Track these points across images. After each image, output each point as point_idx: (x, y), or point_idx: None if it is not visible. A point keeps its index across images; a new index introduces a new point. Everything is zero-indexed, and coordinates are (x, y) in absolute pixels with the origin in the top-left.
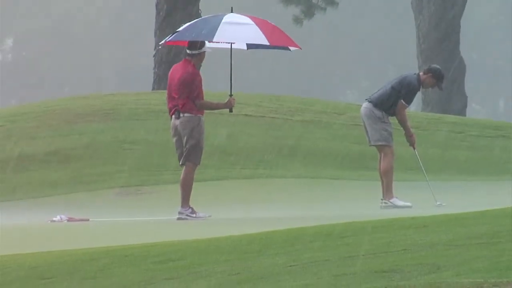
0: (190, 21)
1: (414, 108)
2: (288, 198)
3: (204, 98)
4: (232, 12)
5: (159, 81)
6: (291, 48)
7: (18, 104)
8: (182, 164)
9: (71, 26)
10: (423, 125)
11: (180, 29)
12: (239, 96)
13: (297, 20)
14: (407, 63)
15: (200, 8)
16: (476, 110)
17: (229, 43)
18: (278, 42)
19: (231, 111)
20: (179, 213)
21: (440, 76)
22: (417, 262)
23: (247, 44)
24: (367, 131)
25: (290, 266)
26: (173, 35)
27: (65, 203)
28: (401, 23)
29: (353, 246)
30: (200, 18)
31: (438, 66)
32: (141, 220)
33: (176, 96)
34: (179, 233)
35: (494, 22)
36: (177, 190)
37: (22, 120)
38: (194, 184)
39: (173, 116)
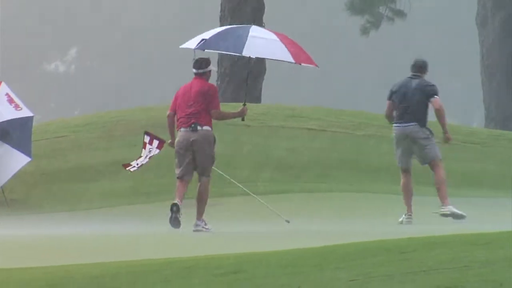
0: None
1: (477, 124)
2: (350, 212)
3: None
4: (254, 24)
5: (222, 95)
6: (304, 63)
7: (81, 115)
8: (181, 177)
9: (137, 39)
10: (486, 141)
11: (207, 37)
12: (301, 109)
13: (364, 30)
14: (471, 79)
15: (264, 22)
16: None
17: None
18: (302, 60)
19: (243, 119)
20: (196, 225)
21: (413, 67)
22: (479, 279)
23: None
24: (410, 152)
25: (351, 280)
26: (201, 43)
27: (126, 214)
28: (465, 38)
29: (414, 262)
30: (225, 28)
31: (418, 60)
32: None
33: (194, 109)
34: (238, 245)
35: None
36: (239, 202)
37: (85, 130)
38: (262, 197)
39: (184, 129)
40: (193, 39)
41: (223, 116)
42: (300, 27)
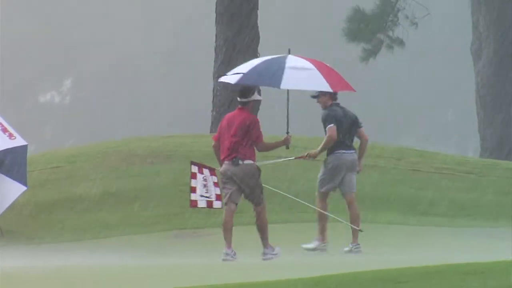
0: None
1: (472, 154)
2: (344, 242)
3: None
4: (289, 53)
5: (217, 124)
6: (341, 90)
7: (76, 145)
8: (226, 204)
9: (130, 69)
10: (481, 171)
11: (244, 71)
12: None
13: (364, 58)
14: (466, 109)
15: (259, 51)
16: None
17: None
18: (339, 87)
19: (287, 147)
20: (264, 254)
21: (334, 95)
22: None
23: None
24: (344, 180)
25: None
26: (239, 78)
27: (120, 245)
28: (459, 68)
29: None
30: (261, 60)
31: None
32: (205, 261)
33: (235, 143)
34: (242, 275)
35: None
36: (235, 232)
37: (80, 161)
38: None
39: (227, 162)
40: (230, 73)
41: (268, 148)
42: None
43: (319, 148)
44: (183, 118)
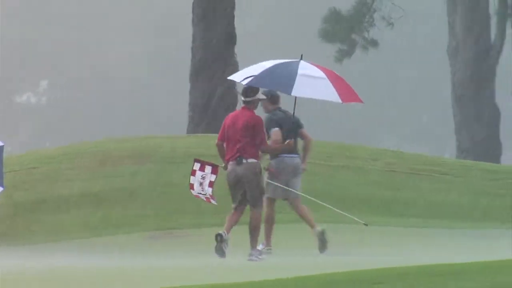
0: (226, 65)
1: (449, 155)
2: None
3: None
4: (301, 59)
5: (194, 125)
6: (350, 102)
7: (53, 146)
8: (234, 208)
9: (106, 70)
10: (457, 172)
11: (256, 73)
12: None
13: (338, 59)
14: (442, 110)
15: (236, 51)
16: (510, 158)
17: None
18: (348, 98)
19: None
20: (250, 254)
21: (273, 98)
22: None
23: None
24: (288, 185)
25: None
26: (250, 79)
27: (99, 246)
28: (436, 69)
29: None
30: (274, 64)
31: (270, 91)
32: (180, 262)
33: (239, 143)
34: (217, 276)
35: None
36: (213, 233)
37: (57, 162)
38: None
39: (232, 162)
40: (240, 72)
41: (270, 150)
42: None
43: (270, 151)
44: (163, 119)
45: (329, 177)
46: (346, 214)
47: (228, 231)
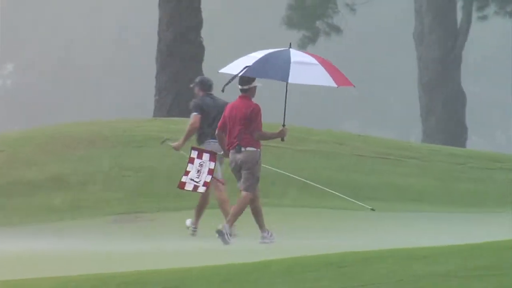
0: (192, 49)
1: (415, 139)
2: (286, 227)
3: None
4: (290, 47)
5: (160, 109)
6: (343, 86)
7: (18, 130)
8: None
9: (73, 53)
10: (423, 156)
11: (250, 63)
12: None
13: (302, 45)
14: (408, 94)
15: (202, 35)
16: (476, 142)
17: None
18: (341, 82)
19: (283, 140)
20: (263, 237)
21: (203, 84)
22: None
23: None
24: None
25: None
26: (244, 70)
27: (64, 229)
28: (402, 54)
29: (352, 276)
30: (265, 54)
31: (202, 77)
32: (142, 247)
33: (237, 131)
34: (178, 261)
35: (496, 53)
36: (176, 217)
37: (23, 145)
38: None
39: (232, 151)
40: (232, 64)
41: (264, 137)
42: (237, 43)
43: (182, 138)
44: (130, 103)
45: (296, 161)
46: (354, 201)
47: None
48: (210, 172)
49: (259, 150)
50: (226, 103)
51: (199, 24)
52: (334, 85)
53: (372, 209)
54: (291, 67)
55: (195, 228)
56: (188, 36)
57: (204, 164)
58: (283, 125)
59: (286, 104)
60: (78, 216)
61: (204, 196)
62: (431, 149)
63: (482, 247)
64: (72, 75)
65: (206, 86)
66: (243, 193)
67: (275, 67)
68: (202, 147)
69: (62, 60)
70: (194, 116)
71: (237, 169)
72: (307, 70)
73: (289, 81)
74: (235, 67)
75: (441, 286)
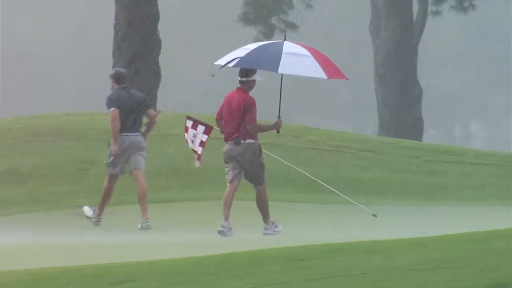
0: (149, 42)
1: (371, 132)
2: (246, 220)
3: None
4: (285, 39)
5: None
6: (336, 78)
7: None
8: (230, 182)
9: (27, 45)
10: (379, 149)
11: (242, 55)
12: (196, 116)
13: (257, 41)
14: (364, 88)
15: (158, 29)
16: (432, 135)
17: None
18: (333, 75)
19: (278, 132)
20: (265, 229)
21: (117, 77)
22: (375, 286)
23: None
24: (130, 160)
25: None
26: (235, 61)
27: (20, 223)
28: (358, 47)
29: (312, 269)
30: (258, 46)
31: (116, 70)
32: (102, 240)
33: (235, 124)
34: (136, 254)
35: (452, 47)
36: (134, 210)
37: None
38: (156, 205)
39: (230, 142)
40: (226, 56)
41: (259, 129)
42: (194, 36)
43: (112, 140)
44: (86, 97)
45: None
46: (357, 204)
47: (227, 218)
48: (202, 144)
49: (257, 141)
50: (141, 97)
51: (156, 17)
52: (325, 77)
53: (374, 215)
54: (282, 58)
55: (99, 218)
56: (145, 29)
57: (197, 135)
58: (278, 117)
59: (281, 96)
60: (34, 210)
61: (108, 188)
62: (386, 142)
63: (438, 240)
64: (28, 68)
65: (120, 78)
66: (257, 187)
67: (266, 58)
68: (118, 140)
69: (16, 53)
70: (112, 111)
71: (229, 159)
72: (298, 61)
73: (279, 71)
74: (228, 59)
75: (399, 279)
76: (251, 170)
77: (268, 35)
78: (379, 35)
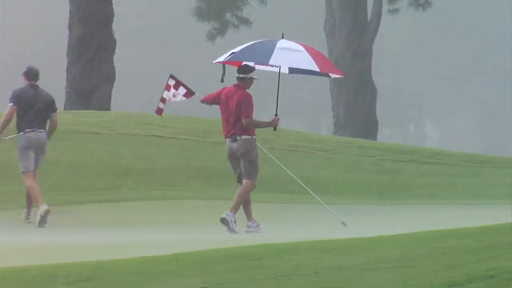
0: (104, 42)
1: (326, 132)
2: (200, 220)
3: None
4: (283, 38)
5: (71, 101)
6: (332, 75)
7: None
8: (238, 182)
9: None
10: (334, 149)
11: (236, 50)
12: (152, 117)
13: (210, 37)
14: (319, 86)
15: (113, 29)
16: (386, 135)
17: (279, 66)
18: (327, 69)
19: (275, 129)
20: (248, 226)
21: (29, 74)
22: (327, 285)
23: (289, 68)
24: (37, 156)
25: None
26: (229, 56)
27: None
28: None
29: (263, 269)
30: (255, 42)
31: (29, 67)
32: (56, 240)
33: (233, 120)
34: (90, 254)
35: (406, 47)
36: (96, 210)
37: None
38: (108, 205)
39: (228, 139)
40: (225, 54)
41: (254, 125)
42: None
43: None
44: None
45: (207, 154)
46: (331, 211)
47: (234, 211)
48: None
49: (254, 137)
50: (50, 98)
51: (111, 15)
52: (317, 69)
53: (343, 223)
54: (274, 51)
55: (29, 217)
56: (99, 28)
57: (177, 96)
58: (276, 115)
59: (278, 94)
60: None
61: (31, 187)
62: (341, 141)
63: (391, 239)
64: None
65: (31, 75)
66: (245, 180)
67: (258, 52)
68: (22, 137)
69: None
70: (10, 107)
71: (232, 158)
72: (290, 55)
73: (270, 62)
74: (225, 55)
75: (352, 278)
76: (243, 165)
77: (221, 31)
78: (334, 35)
